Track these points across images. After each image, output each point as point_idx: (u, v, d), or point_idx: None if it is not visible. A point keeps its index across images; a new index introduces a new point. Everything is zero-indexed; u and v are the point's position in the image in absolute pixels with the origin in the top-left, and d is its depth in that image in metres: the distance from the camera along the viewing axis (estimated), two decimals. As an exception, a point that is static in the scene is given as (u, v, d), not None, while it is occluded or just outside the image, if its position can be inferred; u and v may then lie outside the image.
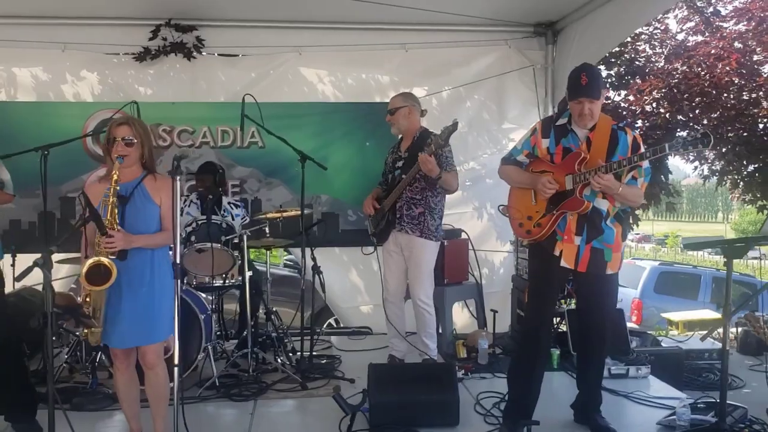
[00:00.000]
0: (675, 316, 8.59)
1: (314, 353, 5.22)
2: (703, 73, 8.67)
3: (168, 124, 6.06)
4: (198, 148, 6.09)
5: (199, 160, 5.88)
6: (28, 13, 5.74)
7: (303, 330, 5.08)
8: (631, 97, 9.27)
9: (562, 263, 3.56)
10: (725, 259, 3.46)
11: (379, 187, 5.03)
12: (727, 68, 8.61)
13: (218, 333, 5.12)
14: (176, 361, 3.03)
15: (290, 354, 5.08)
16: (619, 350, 4.92)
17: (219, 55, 6.21)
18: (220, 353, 5.00)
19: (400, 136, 4.91)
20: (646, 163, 3.58)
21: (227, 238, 4.65)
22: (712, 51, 8.78)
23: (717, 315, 9.60)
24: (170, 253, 3.46)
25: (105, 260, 3.15)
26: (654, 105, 8.97)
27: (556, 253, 3.57)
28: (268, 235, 5.05)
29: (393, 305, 4.91)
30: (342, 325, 6.59)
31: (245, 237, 4.65)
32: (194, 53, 5.97)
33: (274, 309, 5.20)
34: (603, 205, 3.58)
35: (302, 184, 4.72)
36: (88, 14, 5.81)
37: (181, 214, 5.19)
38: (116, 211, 3.23)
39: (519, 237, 3.84)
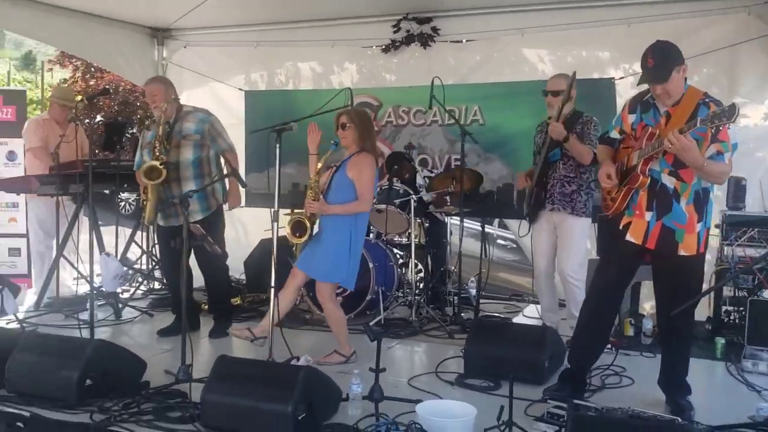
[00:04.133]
0: None
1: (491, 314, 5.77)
2: None
3: (406, 106, 7.03)
4: (428, 126, 6.94)
5: (429, 137, 6.76)
6: (308, 17, 7.20)
7: (479, 293, 5.64)
8: None
9: (628, 237, 3.51)
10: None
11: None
12: None
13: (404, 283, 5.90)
14: (272, 285, 3.98)
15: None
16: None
17: (451, 42, 6.90)
18: (405, 301, 5.77)
19: (549, 116, 5.11)
20: (732, 138, 3.32)
21: (399, 201, 5.43)
22: None
23: None
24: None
25: (304, 219, 4.30)
26: None
27: (621, 226, 3.55)
28: (449, 204, 5.68)
29: (543, 281, 5.15)
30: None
31: (412, 202, 5.36)
32: (429, 42, 6.80)
33: (452, 268, 5.84)
34: (669, 182, 3.43)
35: (461, 156, 5.28)
36: (349, 14, 7.02)
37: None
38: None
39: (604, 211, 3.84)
